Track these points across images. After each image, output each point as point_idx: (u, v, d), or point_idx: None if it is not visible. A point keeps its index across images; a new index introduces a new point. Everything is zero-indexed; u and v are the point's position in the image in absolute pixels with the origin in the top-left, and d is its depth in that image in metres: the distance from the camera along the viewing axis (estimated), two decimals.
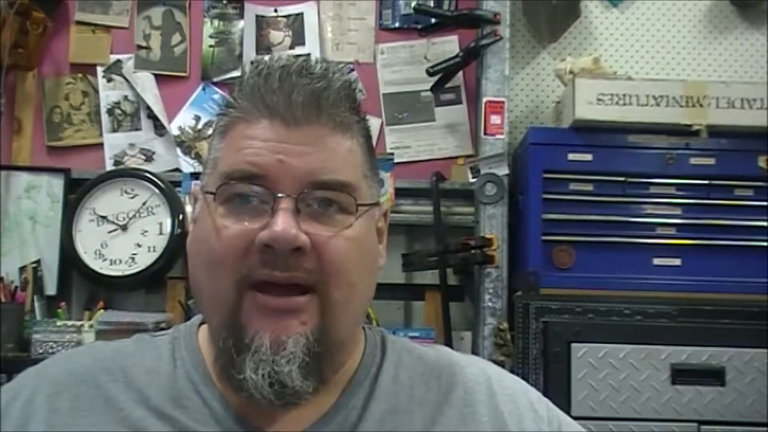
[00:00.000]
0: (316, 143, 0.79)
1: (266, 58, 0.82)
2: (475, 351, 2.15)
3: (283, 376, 0.75)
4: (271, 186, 0.77)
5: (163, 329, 0.94)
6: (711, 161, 2.06)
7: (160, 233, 2.22)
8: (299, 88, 0.79)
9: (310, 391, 0.77)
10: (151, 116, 2.36)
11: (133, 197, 2.24)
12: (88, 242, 2.21)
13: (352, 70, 2.39)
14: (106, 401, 0.82)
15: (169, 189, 2.23)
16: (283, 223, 0.76)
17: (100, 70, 2.38)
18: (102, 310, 2.13)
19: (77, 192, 2.25)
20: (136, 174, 2.26)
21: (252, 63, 0.83)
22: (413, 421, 0.83)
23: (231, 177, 0.79)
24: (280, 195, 0.77)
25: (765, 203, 2.04)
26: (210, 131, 0.88)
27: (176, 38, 2.40)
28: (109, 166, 2.33)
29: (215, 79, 2.38)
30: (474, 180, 2.22)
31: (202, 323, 0.89)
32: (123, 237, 2.22)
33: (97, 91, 2.37)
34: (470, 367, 0.91)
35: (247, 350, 0.76)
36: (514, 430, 0.85)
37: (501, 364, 2.10)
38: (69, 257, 2.22)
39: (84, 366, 0.85)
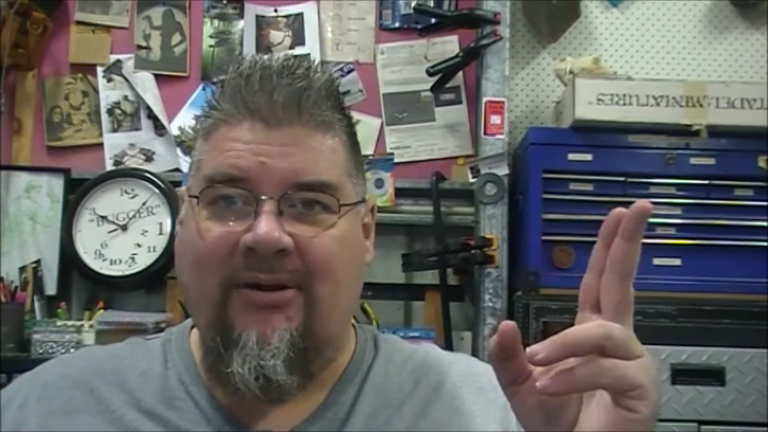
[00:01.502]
0: (298, 144, 0.79)
1: (248, 57, 0.82)
2: (475, 351, 2.15)
3: (268, 369, 0.76)
4: (253, 188, 0.78)
5: (162, 329, 0.95)
6: (711, 161, 2.06)
7: (160, 233, 2.22)
8: (280, 88, 0.79)
9: (295, 387, 0.78)
10: (151, 116, 2.36)
11: (133, 197, 2.24)
12: (88, 242, 2.21)
13: (352, 70, 2.39)
14: (99, 403, 0.83)
15: (169, 189, 2.22)
16: (265, 225, 0.76)
17: (100, 70, 2.38)
18: (102, 310, 2.13)
19: (77, 192, 2.25)
20: (136, 174, 2.26)
21: (234, 63, 0.83)
22: (402, 414, 0.83)
23: (214, 180, 0.79)
24: (262, 197, 0.77)
25: (765, 203, 2.04)
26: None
27: (176, 38, 2.40)
28: (109, 166, 2.33)
29: (215, 79, 2.37)
30: (474, 180, 2.22)
31: (194, 326, 0.89)
32: (123, 237, 2.22)
33: (97, 91, 2.37)
34: (458, 364, 0.91)
35: (234, 346, 0.77)
36: (509, 421, 0.85)
37: None
38: (69, 257, 2.22)
39: (78, 369, 0.86)
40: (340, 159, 0.82)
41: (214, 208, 0.79)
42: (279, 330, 0.77)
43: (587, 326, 0.62)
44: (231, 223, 0.78)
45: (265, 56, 0.82)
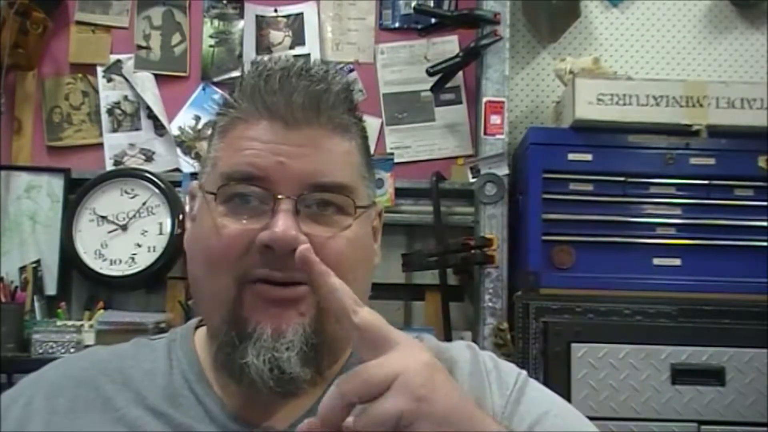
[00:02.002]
0: (316, 145, 0.80)
1: (266, 58, 0.84)
2: None
3: (282, 362, 0.77)
4: (270, 187, 0.78)
5: (162, 329, 0.96)
6: (711, 161, 2.06)
7: (160, 233, 2.22)
8: (299, 89, 0.80)
9: (308, 379, 0.79)
10: (151, 116, 2.36)
11: (133, 197, 2.24)
12: (88, 242, 2.21)
13: (352, 70, 2.39)
14: (104, 401, 0.83)
15: (169, 189, 2.23)
16: (283, 224, 0.77)
17: (100, 70, 2.38)
18: (102, 310, 2.13)
19: (77, 192, 2.25)
20: (136, 174, 2.26)
21: (252, 63, 0.84)
22: None
23: (231, 178, 0.80)
24: (280, 196, 0.78)
25: (765, 203, 2.04)
26: (209, 130, 0.90)
27: (176, 38, 2.40)
28: (109, 166, 2.33)
29: (215, 79, 2.38)
30: (474, 180, 2.22)
31: (198, 326, 0.91)
32: (123, 237, 2.22)
33: (97, 91, 2.37)
34: (449, 351, 0.90)
35: (249, 338, 0.78)
36: (487, 404, 0.85)
37: None
38: (69, 257, 2.22)
39: (82, 369, 0.87)
40: (355, 162, 0.84)
41: (229, 206, 0.80)
42: (293, 324, 0.78)
43: (327, 396, 0.62)
44: (245, 221, 0.79)
45: (284, 57, 0.83)
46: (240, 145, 0.80)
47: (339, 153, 0.82)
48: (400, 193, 2.27)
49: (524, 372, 0.91)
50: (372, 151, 2.60)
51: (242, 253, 0.78)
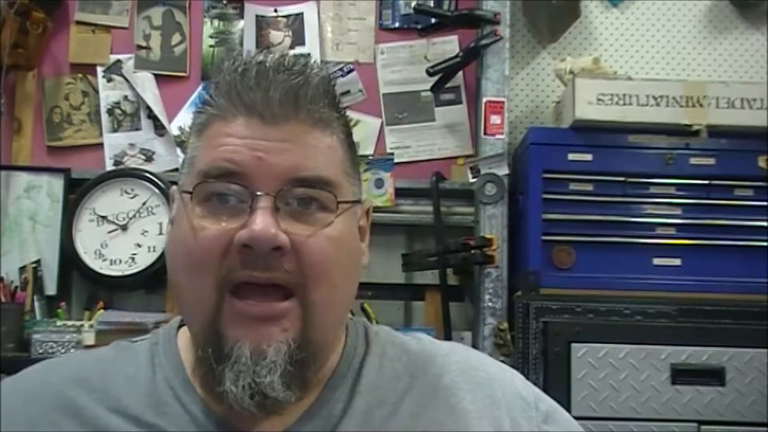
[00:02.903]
0: (295, 140, 0.77)
1: (243, 54, 0.81)
2: None
3: (264, 386, 0.74)
4: (249, 184, 0.76)
5: None
6: (711, 161, 2.06)
7: (160, 233, 2.22)
8: (276, 84, 0.77)
9: (292, 401, 0.76)
10: (151, 116, 2.36)
11: (133, 197, 2.24)
12: (88, 242, 2.21)
13: (352, 70, 2.39)
14: (82, 412, 0.80)
15: (169, 189, 2.22)
16: (261, 222, 0.74)
17: (100, 70, 2.38)
18: (102, 310, 2.13)
19: (77, 192, 2.25)
20: (136, 174, 2.26)
21: (229, 59, 0.81)
22: (398, 413, 0.82)
23: (208, 175, 0.77)
24: (258, 193, 0.75)
25: (765, 203, 2.04)
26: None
27: (176, 38, 2.40)
28: (109, 166, 2.33)
29: (212, 78, 2.37)
30: (474, 180, 2.22)
31: (181, 325, 0.87)
32: (123, 237, 2.22)
33: (97, 91, 2.37)
34: (454, 355, 0.89)
35: (226, 360, 0.75)
36: (502, 419, 0.84)
37: None
38: (69, 257, 2.22)
39: (61, 377, 0.84)
40: (338, 157, 0.81)
41: (207, 206, 0.77)
42: (275, 342, 0.75)
43: None
44: (224, 223, 0.76)
45: (261, 53, 0.80)
46: (217, 142, 0.77)
47: (320, 148, 0.78)
48: (400, 193, 2.27)
49: (537, 390, 0.90)
50: (372, 151, 2.59)
51: (221, 255, 0.75)
